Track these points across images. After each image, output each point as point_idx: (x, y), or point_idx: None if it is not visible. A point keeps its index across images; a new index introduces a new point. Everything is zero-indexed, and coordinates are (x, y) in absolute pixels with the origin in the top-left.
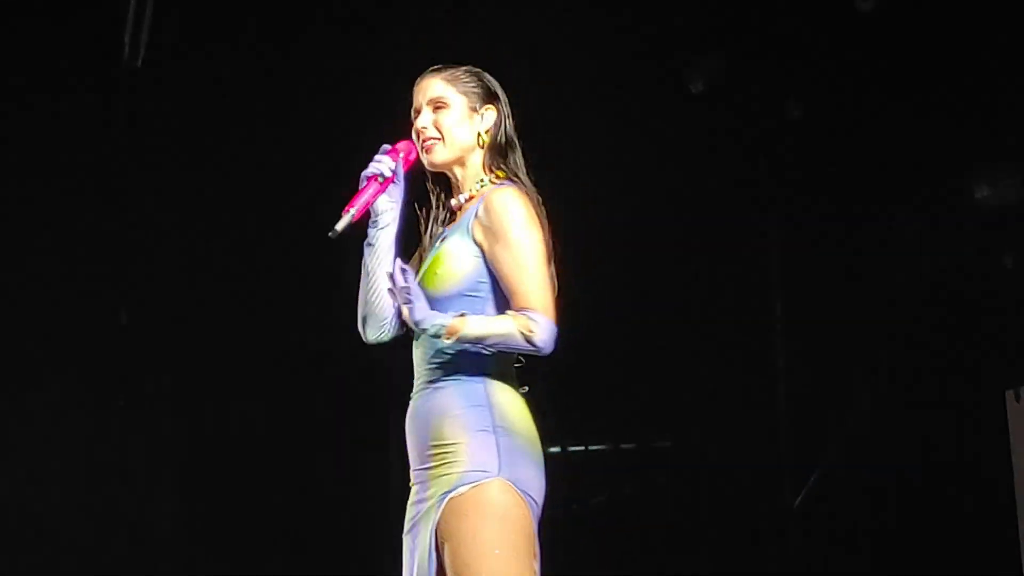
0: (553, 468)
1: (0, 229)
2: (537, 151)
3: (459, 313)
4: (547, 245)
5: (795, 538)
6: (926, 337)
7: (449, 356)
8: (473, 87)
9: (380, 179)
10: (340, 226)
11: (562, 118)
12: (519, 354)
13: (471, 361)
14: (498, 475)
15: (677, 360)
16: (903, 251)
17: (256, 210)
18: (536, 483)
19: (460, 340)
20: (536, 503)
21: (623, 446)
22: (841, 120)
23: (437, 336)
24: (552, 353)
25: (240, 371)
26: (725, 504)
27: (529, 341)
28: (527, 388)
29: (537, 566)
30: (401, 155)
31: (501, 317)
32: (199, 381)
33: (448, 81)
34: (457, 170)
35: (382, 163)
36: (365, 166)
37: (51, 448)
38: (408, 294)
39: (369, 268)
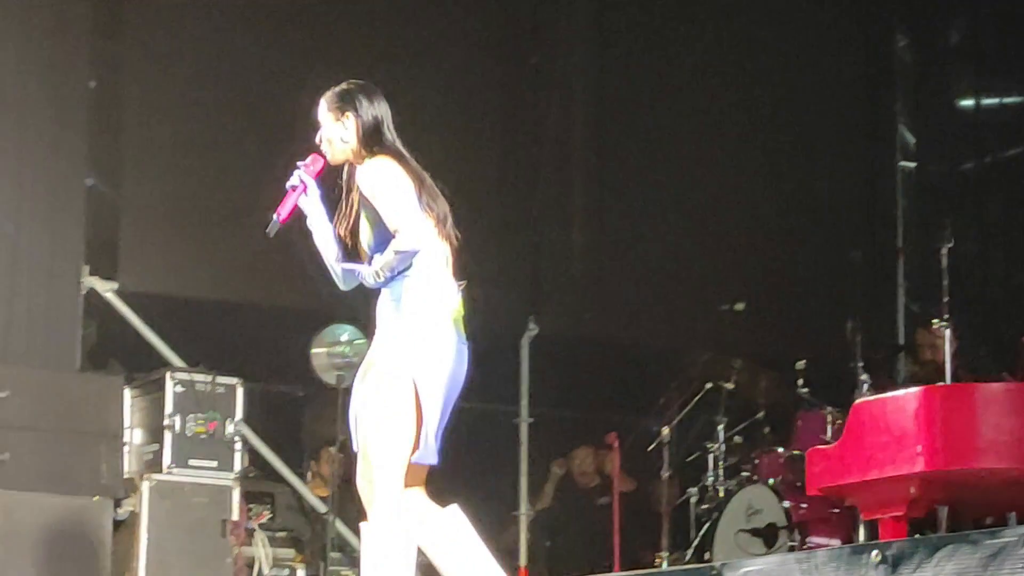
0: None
1: None
2: None
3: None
4: (410, 181)
5: None
6: None
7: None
8: (335, 105)
9: (294, 188)
10: (270, 229)
11: None
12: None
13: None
14: (389, 353)
15: None
16: None
17: None
18: (427, 359)
19: (380, 276)
20: (427, 373)
21: None
22: None
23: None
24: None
25: None
26: None
27: (403, 251)
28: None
29: (409, 427)
30: (299, 171)
31: (388, 250)
32: None
33: (323, 104)
34: (350, 159)
35: (293, 177)
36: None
37: None
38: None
39: (319, 246)
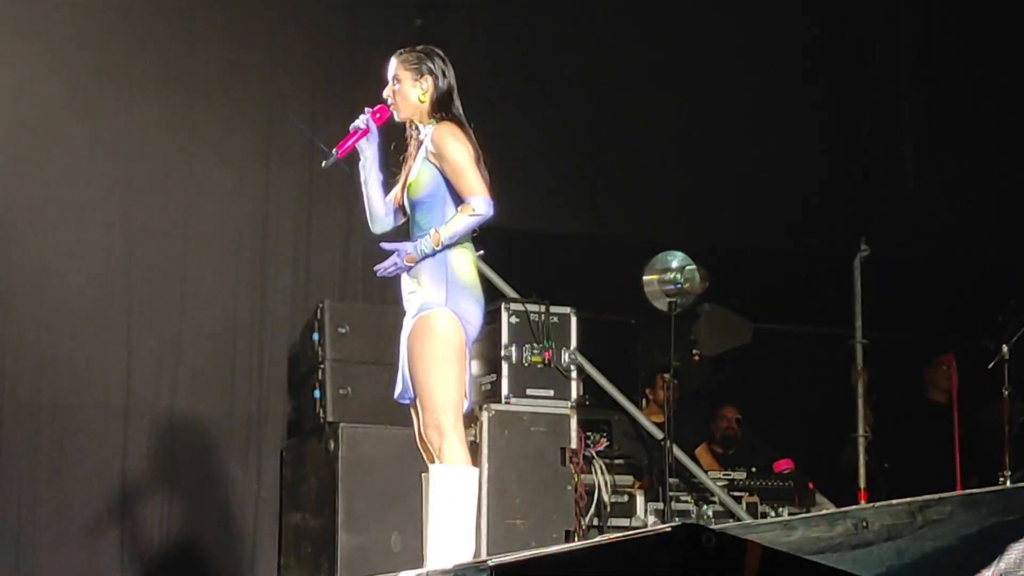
0: None
1: None
2: None
3: (434, 231)
4: (474, 151)
5: None
6: None
7: (421, 234)
8: (414, 65)
9: (358, 130)
10: (325, 163)
11: None
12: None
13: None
14: (444, 306)
15: None
16: None
17: None
18: (473, 314)
19: (442, 245)
20: (471, 326)
21: None
22: None
23: (429, 252)
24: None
25: None
26: None
27: (480, 215)
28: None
29: (463, 371)
30: (366, 116)
31: (456, 216)
32: None
33: (400, 63)
34: (416, 118)
35: (360, 120)
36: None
37: None
38: (398, 263)
39: (364, 186)
